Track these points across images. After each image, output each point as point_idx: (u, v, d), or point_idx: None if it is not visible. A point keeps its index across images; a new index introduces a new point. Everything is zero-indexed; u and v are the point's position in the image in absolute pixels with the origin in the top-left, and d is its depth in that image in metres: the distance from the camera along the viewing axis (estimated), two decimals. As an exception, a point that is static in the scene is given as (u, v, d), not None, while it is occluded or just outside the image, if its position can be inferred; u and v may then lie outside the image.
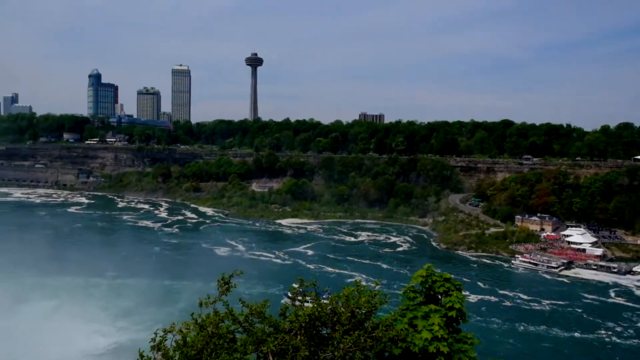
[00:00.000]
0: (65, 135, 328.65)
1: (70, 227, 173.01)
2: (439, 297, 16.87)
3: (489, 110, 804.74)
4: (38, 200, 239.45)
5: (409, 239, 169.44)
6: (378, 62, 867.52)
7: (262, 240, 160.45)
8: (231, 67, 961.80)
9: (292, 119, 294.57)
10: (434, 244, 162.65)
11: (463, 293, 16.81)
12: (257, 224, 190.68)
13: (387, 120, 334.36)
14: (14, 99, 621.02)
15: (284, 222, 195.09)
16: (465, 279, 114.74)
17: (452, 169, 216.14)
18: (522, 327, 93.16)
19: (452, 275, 17.34)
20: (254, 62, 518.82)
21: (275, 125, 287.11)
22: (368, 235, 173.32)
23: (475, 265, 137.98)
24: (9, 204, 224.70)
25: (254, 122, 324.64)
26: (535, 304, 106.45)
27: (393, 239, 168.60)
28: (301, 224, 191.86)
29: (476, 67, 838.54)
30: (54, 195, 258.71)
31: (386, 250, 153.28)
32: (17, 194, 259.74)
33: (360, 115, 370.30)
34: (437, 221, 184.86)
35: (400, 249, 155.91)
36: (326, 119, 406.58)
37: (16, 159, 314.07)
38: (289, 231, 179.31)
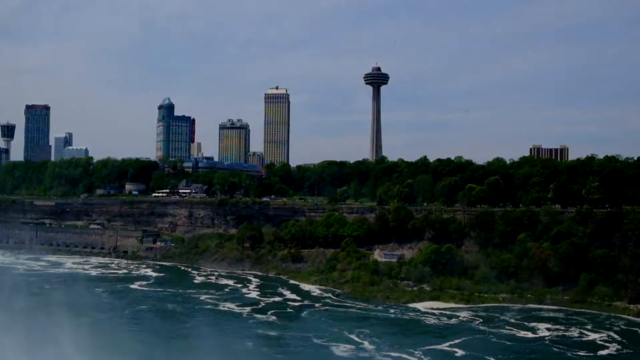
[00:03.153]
0: (128, 186, 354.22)
1: (133, 310, 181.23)
2: None
3: None
4: (94, 273, 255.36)
5: (615, 336, 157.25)
6: (556, 72, 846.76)
7: (392, 334, 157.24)
8: (344, 88, 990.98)
9: (431, 157, 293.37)
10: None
11: None
12: (384, 309, 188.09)
13: (573, 156, 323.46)
14: (68, 139, 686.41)
15: (420, 306, 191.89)
16: None
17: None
18: None
19: None
20: (377, 79, 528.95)
21: (406, 167, 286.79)
22: (549, 329, 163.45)
23: None
24: (59, 277, 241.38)
25: (377, 163, 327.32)
26: None
27: (590, 336, 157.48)
28: (446, 309, 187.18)
29: None
30: (113, 266, 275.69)
31: (581, 353, 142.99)
32: (69, 263, 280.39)
33: (531, 149, 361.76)
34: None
35: (603, 352, 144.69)
36: (480, 157, 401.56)
37: (67, 218, 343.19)
38: (429, 320, 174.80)
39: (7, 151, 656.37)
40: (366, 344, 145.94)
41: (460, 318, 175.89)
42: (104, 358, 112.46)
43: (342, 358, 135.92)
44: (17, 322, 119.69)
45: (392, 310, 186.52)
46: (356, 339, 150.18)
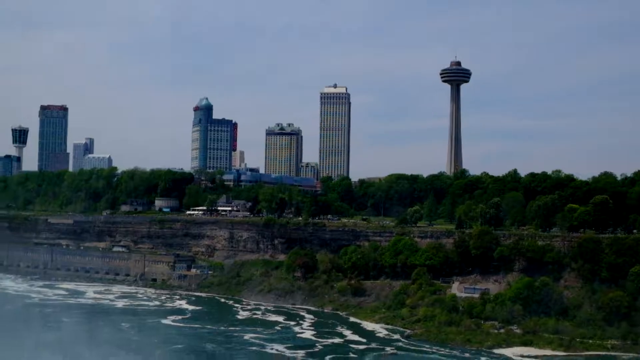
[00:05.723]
0: (158, 202, 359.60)
1: (167, 350, 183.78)
2: None
3: None
4: (120, 304, 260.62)
5: None
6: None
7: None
8: (416, 87, 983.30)
9: (522, 172, 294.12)
10: None
11: None
12: (464, 355, 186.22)
13: None
14: (88, 147, 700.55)
15: (509, 352, 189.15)
16: None
17: None
18: None
19: None
20: (456, 75, 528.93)
21: (492, 183, 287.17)
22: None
23: None
24: (80, 309, 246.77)
25: (456, 177, 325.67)
26: None
27: None
28: (540, 357, 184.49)
29: None
30: (140, 295, 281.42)
31: None
32: (90, 292, 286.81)
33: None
34: None
35: None
36: (584, 172, 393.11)
37: (87, 238, 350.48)
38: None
39: (19, 159, 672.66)
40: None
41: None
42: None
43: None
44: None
45: (473, 357, 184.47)
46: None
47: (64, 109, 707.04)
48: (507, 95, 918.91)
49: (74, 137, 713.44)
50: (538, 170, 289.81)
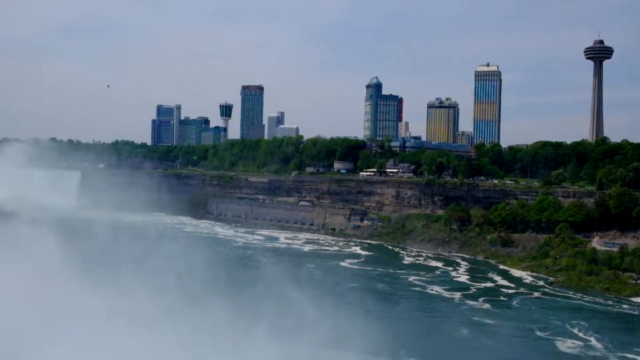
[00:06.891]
0: (336, 165, 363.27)
1: (344, 288, 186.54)
2: None
3: None
4: (306, 249, 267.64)
5: None
6: None
7: (617, 329, 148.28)
8: (561, 65, 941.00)
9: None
10: None
11: None
12: (603, 302, 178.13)
13: None
14: (280, 119, 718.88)
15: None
16: None
17: None
18: None
19: None
20: (599, 53, 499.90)
21: (631, 149, 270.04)
22: None
23: None
24: (275, 252, 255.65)
25: (597, 144, 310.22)
26: None
27: None
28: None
29: None
30: (321, 242, 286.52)
31: None
32: (282, 238, 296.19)
33: None
34: None
35: None
36: None
37: (279, 194, 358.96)
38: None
39: (225, 129, 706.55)
40: (592, 341, 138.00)
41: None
42: (325, 332, 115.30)
43: (566, 354, 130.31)
44: (241, 292, 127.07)
45: (612, 304, 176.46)
46: (581, 334, 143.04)
47: (260, 89, 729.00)
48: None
49: (269, 110, 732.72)
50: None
